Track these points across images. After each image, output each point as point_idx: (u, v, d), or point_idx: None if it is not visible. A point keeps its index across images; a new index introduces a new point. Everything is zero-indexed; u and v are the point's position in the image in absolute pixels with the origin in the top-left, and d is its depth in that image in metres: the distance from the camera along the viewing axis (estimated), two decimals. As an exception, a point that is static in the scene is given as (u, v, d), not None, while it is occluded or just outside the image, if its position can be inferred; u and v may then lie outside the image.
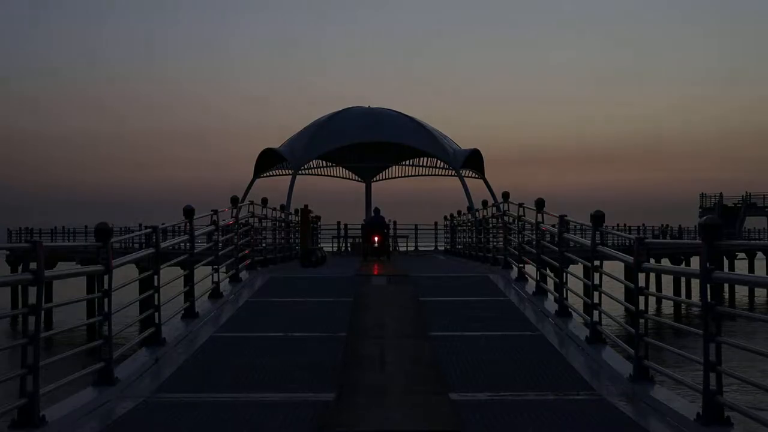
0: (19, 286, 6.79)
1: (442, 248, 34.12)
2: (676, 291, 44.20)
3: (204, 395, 7.43)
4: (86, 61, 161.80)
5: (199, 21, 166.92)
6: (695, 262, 7.08)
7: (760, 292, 51.19)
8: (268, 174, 37.82)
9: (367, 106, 37.88)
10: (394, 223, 39.18)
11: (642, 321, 7.55)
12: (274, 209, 21.51)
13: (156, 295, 9.62)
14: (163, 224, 11.01)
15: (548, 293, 12.79)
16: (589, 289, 9.59)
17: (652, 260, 23.80)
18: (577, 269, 14.33)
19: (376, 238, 25.91)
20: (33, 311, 6.17)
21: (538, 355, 9.14)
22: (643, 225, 54.49)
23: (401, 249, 37.09)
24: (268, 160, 36.91)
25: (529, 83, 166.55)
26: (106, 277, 7.68)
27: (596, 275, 9.49)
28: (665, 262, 41.73)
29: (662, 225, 56.51)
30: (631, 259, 7.72)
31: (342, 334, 10.28)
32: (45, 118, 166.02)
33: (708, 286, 5.95)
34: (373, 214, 28.03)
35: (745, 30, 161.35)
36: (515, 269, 15.74)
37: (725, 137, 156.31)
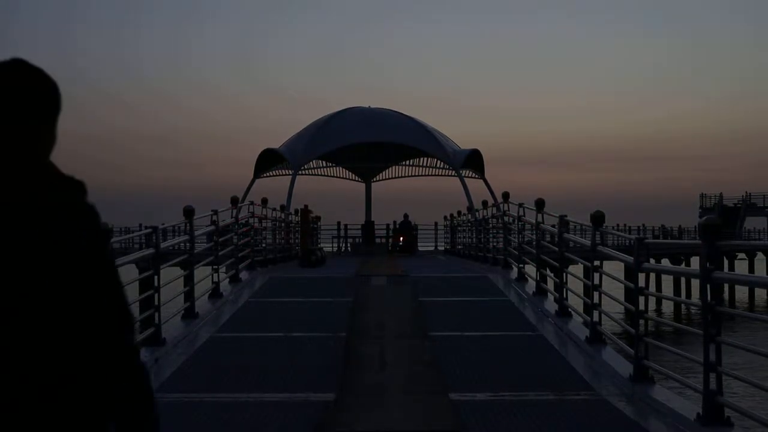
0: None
1: (442, 248, 34.11)
2: (676, 291, 44.17)
3: (204, 395, 7.43)
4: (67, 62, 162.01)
5: (224, 26, 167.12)
6: (695, 262, 7.08)
7: (760, 292, 51.17)
8: (268, 174, 37.80)
9: (367, 106, 37.89)
10: (394, 223, 39.20)
11: (642, 321, 7.55)
12: (274, 209, 21.51)
13: (156, 296, 9.62)
14: (163, 224, 11.01)
15: (548, 293, 12.79)
16: (589, 289, 9.59)
17: (652, 260, 23.80)
18: (577, 269, 14.33)
19: (401, 238, 31.66)
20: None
21: (538, 356, 9.14)
22: (643, 225, 54.51)
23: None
24: (268, 161, 36.90)
25: (529, 84, 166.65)
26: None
27: (596, 275, 9.49)
28: (665, 262, 41.71)
29: (662, 226, 56.45)
30: (631, 259, 7.72)
31: (342, 334, 10.27)
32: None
33: (708, 286, 5.95)
34: (402, 218, 33.07)
35: (751, 34, 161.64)
36: (515, 269, 15.74)
37: (725, 137, 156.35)
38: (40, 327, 1.83)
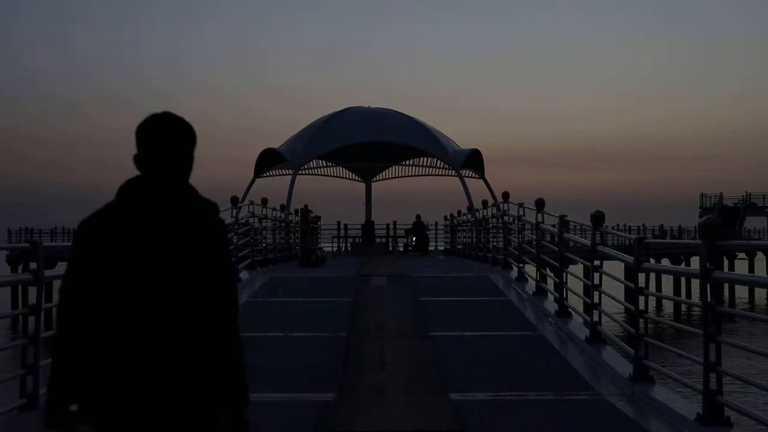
0: (19, 286, 6.75)
1: (442, 248, 34.13)
2: (676, 291, 44.15)
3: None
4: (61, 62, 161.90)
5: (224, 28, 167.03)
6: (695, 262, 7.09)
7: (760, 292, 51.16)
8: (268, 174, 37.80)
9: (367, 106, 37.89)
10: (394, 223, 39.23)
11: (642, 321, 7.55)
12: (274, 209, 21.50)
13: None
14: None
15: (548, 293, 12.78)
16: (589, 289, 9.59)
17: (652, 260, 23.77)
18: (577, 269, 14.32)
19: (414, 238, 33.18)
20: (33, 311, 6.17)
21: (538, 355, 9.14)
22: (643, 225, 54.51)
23: (401, 249, 37.09)
24: (268, 160, 36.89)
25: (529, 84, 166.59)
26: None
27: (596, 275, 9.48)
28: (665, 262, 41.70)
29: (661, 226, 56.40)
30: (631, 259, 7.72)
31: (342, 334, 10.27)
32: (41, 118, 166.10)
33: (708, 286, 5.95)
34: (415, 219, 33.78)
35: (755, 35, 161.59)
36: (515, 269, 15.73)
37: (725, 137, 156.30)
38: (186, 283, 2.79)
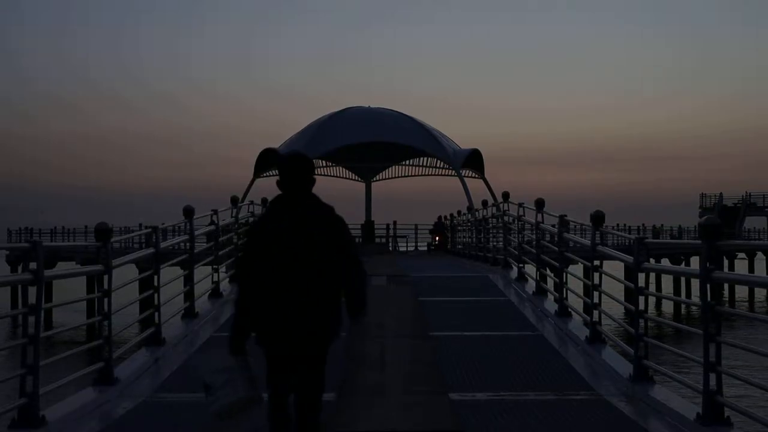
0: (19, 286, 6.75)
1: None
2: (676, 291, 44.15)
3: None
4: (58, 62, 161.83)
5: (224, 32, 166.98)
6: (695, 262, 7.08)
7: (760, 292, 51.11)
8: (268, 174, 37.81)
9: (367, 106, 37.88)
10: (394, 223, 39.23)
11: (642, 321, 7.54)
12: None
13: (156, 295, 9.60)
14: (163, 224, 10.99)
15: (548, 293, 12.77)
16: (589, 289, 9.58)
17: (651, 260, 23.74)
18: (576, 269, 14.32)
19: (437, 238, 35.29)
20: (33, 311, 6.17)
21: (538, 355, 9.13)
22: (643, 225, 54.52)
23: (401, 249, 37.12)
24: (268, 161, 36.87)
25: (529, 83, 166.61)
26: (106, 277, 7.67)
27: (596, 275, 9.47)
28: (665, 262, 41.69)
29: (659, 226, 56.37)
30: (631, 259, 7.71)
31: (342, 334, 10.24)
32: (41, 118, 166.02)
33: (708, 286, 5.95)
34: (437, 220, 35.87)
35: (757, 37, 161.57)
36: (515, 269, 15.73)
37: (725, 137, 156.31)
38: (326, 255, 4.67)
